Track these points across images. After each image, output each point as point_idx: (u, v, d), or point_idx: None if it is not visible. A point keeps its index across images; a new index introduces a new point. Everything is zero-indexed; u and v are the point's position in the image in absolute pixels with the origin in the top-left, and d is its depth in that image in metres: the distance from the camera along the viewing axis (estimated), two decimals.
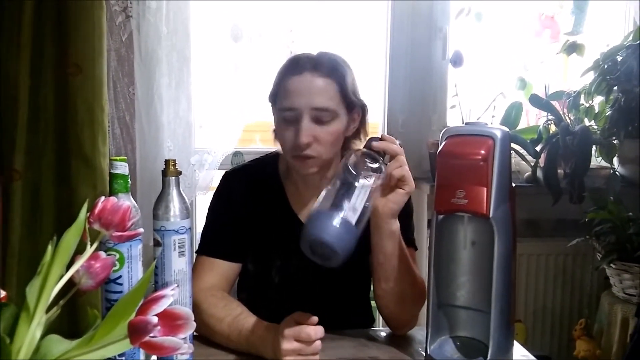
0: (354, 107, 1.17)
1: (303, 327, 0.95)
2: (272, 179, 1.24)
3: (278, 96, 1.15)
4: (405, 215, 1.13)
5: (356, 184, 0.94)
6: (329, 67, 1.12)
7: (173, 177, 0.90)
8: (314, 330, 0.95)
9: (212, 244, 1.20)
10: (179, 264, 0.89)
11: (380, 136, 1.04)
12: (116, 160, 0.83)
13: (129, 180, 0.85)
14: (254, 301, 1.20)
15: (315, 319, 0.96)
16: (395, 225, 1.05)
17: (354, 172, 0.95)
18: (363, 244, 1.07)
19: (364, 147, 1.02)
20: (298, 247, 1.01)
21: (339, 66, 1.14)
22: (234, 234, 1.20)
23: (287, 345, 0.94)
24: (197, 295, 1.05)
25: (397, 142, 1.04)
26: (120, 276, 0.82)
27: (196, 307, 1.01)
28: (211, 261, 1.18)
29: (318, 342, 0.95)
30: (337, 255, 0.89)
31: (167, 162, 0.90)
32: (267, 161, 1.27)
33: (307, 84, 1.10)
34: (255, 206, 1.21)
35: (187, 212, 0.91)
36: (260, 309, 1.11)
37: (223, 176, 1.28)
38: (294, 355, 0.94)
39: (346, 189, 0.94)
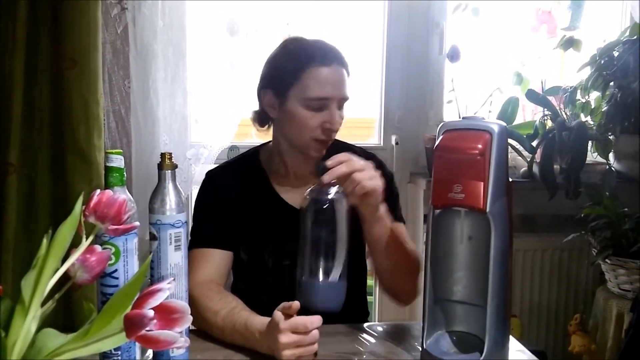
0: None
1: (299, 318, 0.95)
2: (256, 170, 1.29)
3: (296, 84, 1.18)
4: (390, 195, 1.21)
5: (323, 233, 1.02)
6: (343, 59, 1.22)
7: (169, 171, 0.90)
8: (310, 321, 0.95)
9: (202, 235, 1.23)
10: (175, 258, 0.89)
11: (324, 164, 1.05)
12: (112, 153, 0.82)
13: (125, 173, 0.84)
14: (252, 289, 1.24)
15: (297, 304, 0.96)
16: (380, 212, 1.10)
17: (320, 220, 1.02)
18: (358, 237, 1.11)
19: (312, 189, 1.06)
20: (288, 230, 1.13)
21: (344, 58, 1.23)
22: (223, 224, 1.23)
23: (285, 338, 0.94)
24: (192, 289, 1.05)
25: (341, 157, 1.06)
26: (116, 270, 0.82)
27: (192, 301, 1.02)
28: (203, 252, 1.20)
29: (315, 332, 0.95)
30: (336, 309, 1.01)
31: (162, 155, 0.89)
32: (248, 155, 1.34)
33: (337, 75, 1.19)
34: (242, 198, 1.26)
35: (183, 205, 0.91)
36: (258, 296, 1.15)
37: (206, 175, 1.33)
38: (292, 348, 0.94)
39: (321, 244, 1.02)
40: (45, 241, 0.58)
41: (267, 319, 1.00)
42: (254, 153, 1.33)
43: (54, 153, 1.66)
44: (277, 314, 0.96)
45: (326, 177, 1.03)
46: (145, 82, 1.75)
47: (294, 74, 1.18)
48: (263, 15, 1.82)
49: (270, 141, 1.32)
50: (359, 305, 1.36)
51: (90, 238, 0.62)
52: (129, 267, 0.83)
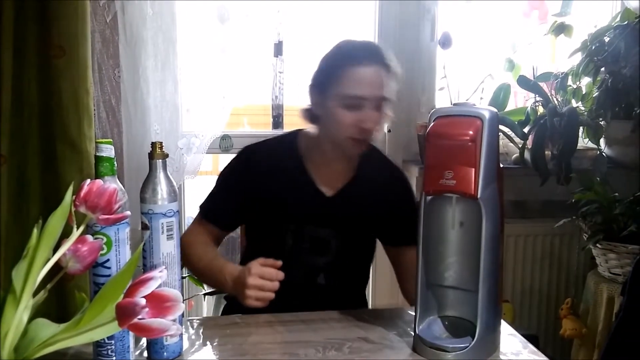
0: None
1: (267, 267, 1.10)
2: (292, 153, 1.33)
3: (333, 83, 1.22)
4: (411, 215, 1.16)
5: None
6: (382, 58, 1.23)
7: (160, 160, 0.89)
8: (276, 272, 1.09)
9: (214, 211, 1.35)
10: (167, 247, 0.89)
11: None
12: (102, 142, 0.82)
13: (115, 163, 0.84)
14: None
15: (279, 263, 1.10)
16: None
17: None
18: (366, 244, 1.28)
19: None
20: (315, 215, 1.29)
21: (385, 58, 1.24)
22: (236, 207, 1.33)
23: (252, 280, 1.08)
24: (186, 235, 1.31)
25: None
26: (108, 260, 0.82)
27: (183, 245, 1.00)
28: (208, 224, 1.34)
29: (277, 283, 1.08)
30: None
31: (153, 144, 0.89)
32: (287, 138, 1.37)
33: (375, 75, 1.21)
34: (275, 176, 1.30)
35: (175, 195, 0.90)
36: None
37: (244, 148, 1.38)
38: (255, 290, 1.07)
39: None
40: (35, 231, 0.58)
41: (238, 267, 1.15)
42: (293, 137, 1.35)
43: (44, 143, 1.65)
44: (253, 262, 1.10)
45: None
46: (136, 71, 1.74)
47: (334, 72, 1.22)
48: (253, 1, 1.81)
49: (304, 128, 1.36)
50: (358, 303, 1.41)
51: (82, 228, 0.62)
52: (121, 256, 0.83)
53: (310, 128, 1.33)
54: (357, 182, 1.31)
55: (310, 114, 1.30)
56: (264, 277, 1.08)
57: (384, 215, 1.33)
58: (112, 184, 0.66)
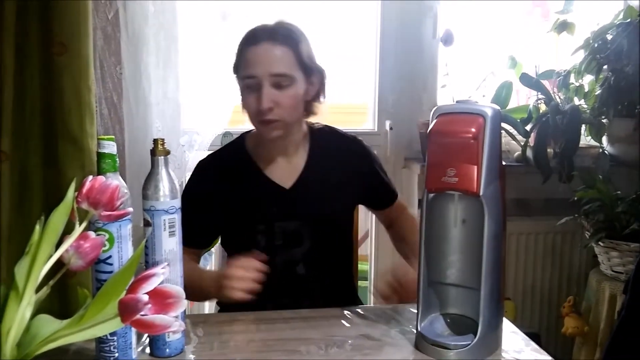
0: (312, 72, 1.27)
1: (247, 258, 1.10)
2: (243, 156, 1.33)
3: (240, 67, 1.25)
4: (378, 181, 1.38)
5: None
6: (284, 36, 1.22)
7: (162, 157, 0.89)
8: (256, 262, 1.08)
9: (186, 235, 1.28)
10: (169, 244, 0.89)
11: None
12: (104, 139, 0.82)
13: (117, 159, 0.84)
14: None
15: (263, 256, 1.11)
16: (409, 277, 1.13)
17: None
18: (345, 221, 1.18)
19: None
20: (279, 210, 1.27)
21: (293, 34, 1.24)
22: (206, 224, 1.30)
23: (232, 271, 1.08)
24: None
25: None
26: (110, 256, 0.82)
27: None
28: (184, 247, 1.29)
29: (259, 274, 1.07)
30: None
31: (155, 141, 0.89)
32: (234, 143, 1.38)
33: (265, 52, 1.20)
34: (233, 184, 1.29)
35: (177, 192, 0.90)
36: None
37: (196, 167, 1.37)
38: (237, 280, 1.07)
39: None
40: (38, 227, 0.58)
41: (218, 270, 1.15)
42: (241, 140, 1.36)
43: (45, 140, 1.65)
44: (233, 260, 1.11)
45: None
46: (137, 68, 1.74)
47: (237, 57, 1.26)
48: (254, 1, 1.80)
49: (250, 130, 1.36)
50: (348, 294, 1.40)
51: (84, 224, 0.62)
52: (123, 253, 0.83)
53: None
54: (312, 167, 1.31)
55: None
56: (243, 267, 1.08)
57: (351, 189, 1.34)
58: (114, 181, 0.66)
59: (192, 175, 1.36)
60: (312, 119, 1.37)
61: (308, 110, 1.32)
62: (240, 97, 1.27)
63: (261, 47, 1.21)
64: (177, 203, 0.90)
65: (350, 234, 1.42)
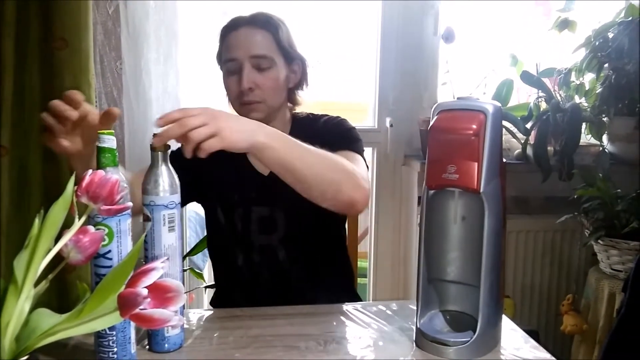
0: (293, 59, 1.30)
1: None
2: None
3: (222, 53, 1.29)
4: (339, 135, 1.29)
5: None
6: (262, 21, 1.27)
7: (161, 152, 0.89)
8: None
9: None
10: (168, 239, 0.89)
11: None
12: (103, 133, 0.82)
13: (117, 154, 0.83)
14: (224, 247, 1.33)
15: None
16: (260, 150, 1.00)
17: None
18: (316, 210, 1.17)
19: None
20: (257, 195, 1.28)
21: (272, 20, 1.28)
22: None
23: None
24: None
25: (173, 115, 0.91)
26: (109, 251, 0.81)
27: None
28: None
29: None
30: None
31: (155, 136, 0.89)
32: None
33: (245, 36, 1.25)
34: (211, 168, 1.28)
35: (177, 187, 0.90)
36: (231, 254, 1.28)
37: (177, 148, 1.26)
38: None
39: None
40: (37, 221, 0.58)
41: None
42: None
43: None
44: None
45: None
46: (138, 63, 1.74)
47: (220, 45, 1.31)
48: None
49: None
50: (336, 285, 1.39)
51: (83, 218, 0.62)
52: (123, 247, 0.82)
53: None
54: None
55: None
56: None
57: None
58: (114, 175, 0.66)
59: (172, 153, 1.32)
60: (297, 110, 1.38)
61: (292, 99, 1.35)
62: (223, 83, 1.30)
63: (241, 32, 1.26)
64: (177, 198, 0.90)
65: (333, 221, 1.37)
